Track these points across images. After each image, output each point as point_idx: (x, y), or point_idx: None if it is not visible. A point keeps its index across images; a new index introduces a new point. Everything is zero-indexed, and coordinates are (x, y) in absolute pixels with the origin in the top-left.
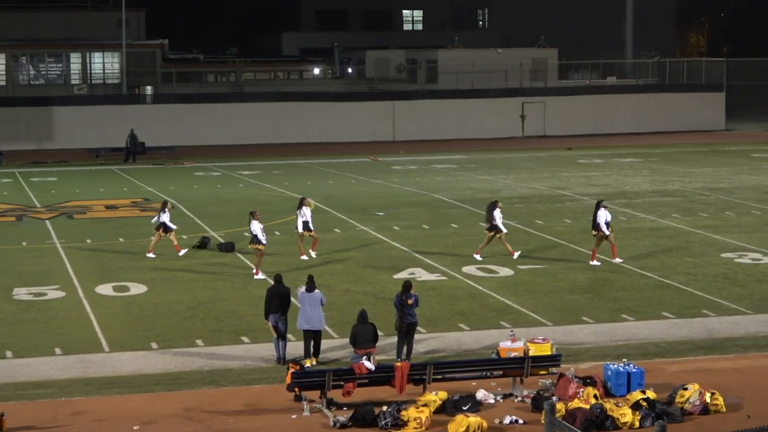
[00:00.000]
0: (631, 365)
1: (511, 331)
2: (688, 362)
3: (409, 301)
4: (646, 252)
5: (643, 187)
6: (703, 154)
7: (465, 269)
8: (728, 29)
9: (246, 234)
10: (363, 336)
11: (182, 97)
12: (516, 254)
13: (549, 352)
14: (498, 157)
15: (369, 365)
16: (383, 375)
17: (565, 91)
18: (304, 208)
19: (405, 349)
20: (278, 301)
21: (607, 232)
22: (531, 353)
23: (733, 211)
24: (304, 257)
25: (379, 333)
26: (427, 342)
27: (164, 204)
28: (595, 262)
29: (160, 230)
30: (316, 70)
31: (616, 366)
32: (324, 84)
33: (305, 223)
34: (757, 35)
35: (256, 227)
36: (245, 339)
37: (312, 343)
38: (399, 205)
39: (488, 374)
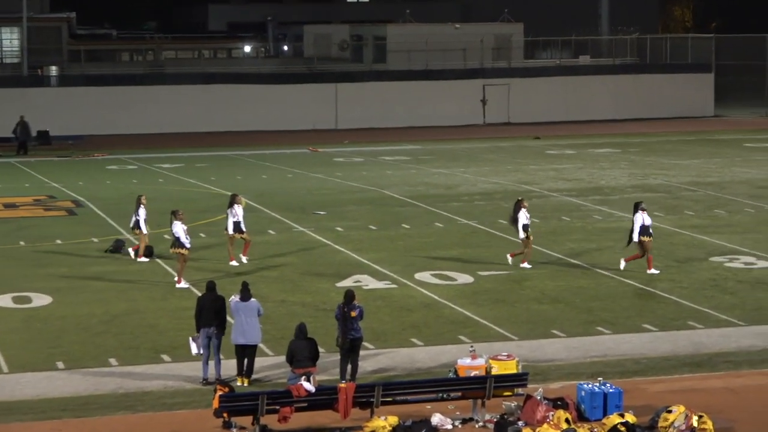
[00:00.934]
0: (608, 385)
1: (471, 346)
2: (672, 381)
3: (352, 314)
4: (624, 256)
5: (621, 182)
6: (690, 144)
7: (418, 276)
8: (717, 2)
9: (167, 236)
10: (302, 353)
11: (92, 79)
12: (525, 264)
13: (514, 371)
14: (456, 147)
15: (308, 387)
16: (325, 398)
17: (532, 72)
18: (235, 206)
19: (349, 368)
20: (213, 312)
21: (636, 238)
22: (494, 372)
23: (723, 209)
24: (234, 263)
25: (320, 350)
26: (375, 359)
27: (139, 199)
28: (652, 270)
29: (136, 230)
30: (247, 48)
31: (590, 386)
32: (256, 64)
33: (236, 224)
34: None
35: (179, 229)
36: (166, 357)
37: (245, 360)
38: (343, 203)
39: (445, 396)
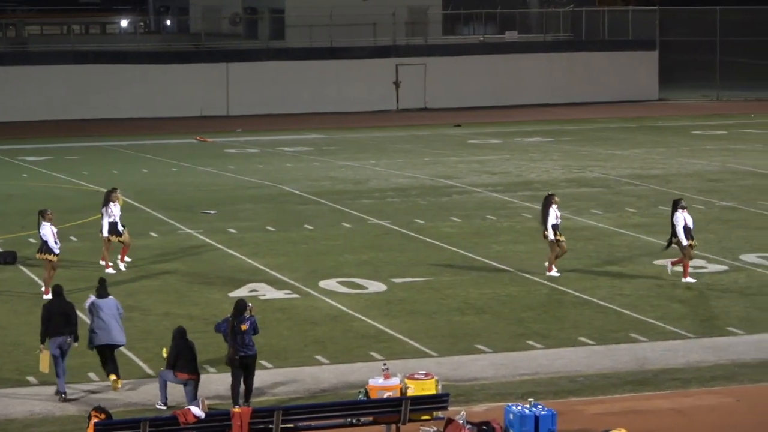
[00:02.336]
0: (540, 406)
1: (384, 364)
2: (612, 401)
3: (243, 327)
4: (558, 259)
5: (554, 175)
6: (631, 132)
7: (323, 284)
8: None
9: (33, 240)
10: (186, 356)
11: None
12: (553, 271)
13: (433, 391)
14: (365, 136)
15: (197, 412)
16: (216, 425)
17: (451, 50)
18: (111, 204)
19: (243, 389)
20: (63, 319)
21: (685, 242)
22: (410, 393)
23: (669, 206)
24: (110, 270)
25: (211, 369)
26: (273, 380)
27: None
28: (688, 279)
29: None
30: (124, 23)
31: (520, 408)
32: (135, 41)
33: (112, 225)
34: None
35: (48, 231)
36: (31, 379)
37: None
38: (236, 201)
39: (354, 421)
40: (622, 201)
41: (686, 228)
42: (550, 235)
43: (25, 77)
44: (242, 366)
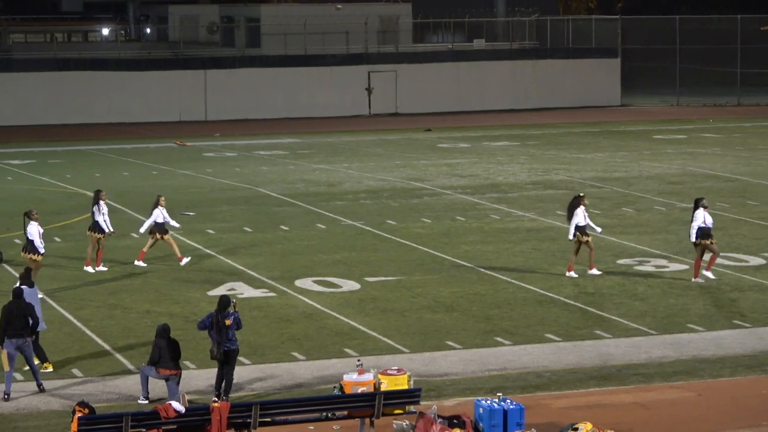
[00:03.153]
0: (508, 401)
1: (358, 360)
2: (578, 396)
3: (227, 322)
4: (524, 259)
5: (520, 178)
6: (594, 136)
7: (298, 283)
8: None
9: (18, 241)
10: (168, 353)
11: None
12: (594, 270)
13: (405, 386)
14: (338, 140)
15: (178, 407)
16: (196, 419)
17: (421, 57)
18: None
19: (223, 384)
20: (23, 321)
21: (694, 239)
22: (383, 388)
23: (631, 207)
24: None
25: (191, 366)
26: (251, 375)
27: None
28: (697, 279)
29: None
30: (105, 31)
31: (489, 402)
32: (115, 48)
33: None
34: None
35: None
36: (17, 375)
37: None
38: (214, 203)
39: (330, 415)
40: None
41: (703, 227)
42: (571, 237)
43: (9, 83)
44: (225, 359)
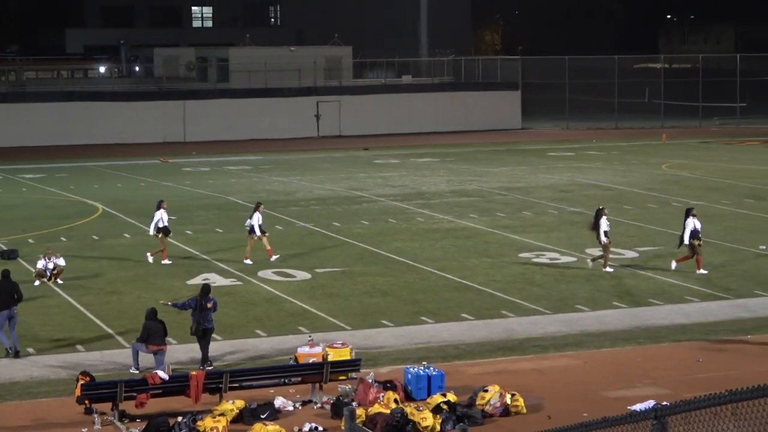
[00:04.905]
0: (432, 368)
1: (310, 336)
2: (487, 364)
3: (208, 305)
4: (444, 253)
5: (441, 188)
6: (500, 154)
7: (261, 273)
8: (523, 27)
9: (31, 240)
10: (156, 332)
11: None
12: (608, 268)
13: (348, 357)
14: (293, 157)
15: (163, 375)
16: (178, 385)
17: (360, 90)
18: (161, 210)
19: (201, 357)
20: (9, 296)
21: (686, 241)
22: (330, 358)
23: (530, 211)
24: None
25: (173, 341)
26: (223, 350)
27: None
28: (701, 271)
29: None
30: (102, 69)
31: (416, 369)
32: (110, 83)
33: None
34: (551, 34)
35: (163, 216)
36: (30, 350)
37: None
38: (191, 209)
39: (286, 381)
40: (494, 207)
41: (694, 231)
42: (604, 240)
43: (23, 111)
44: (203, 335)
